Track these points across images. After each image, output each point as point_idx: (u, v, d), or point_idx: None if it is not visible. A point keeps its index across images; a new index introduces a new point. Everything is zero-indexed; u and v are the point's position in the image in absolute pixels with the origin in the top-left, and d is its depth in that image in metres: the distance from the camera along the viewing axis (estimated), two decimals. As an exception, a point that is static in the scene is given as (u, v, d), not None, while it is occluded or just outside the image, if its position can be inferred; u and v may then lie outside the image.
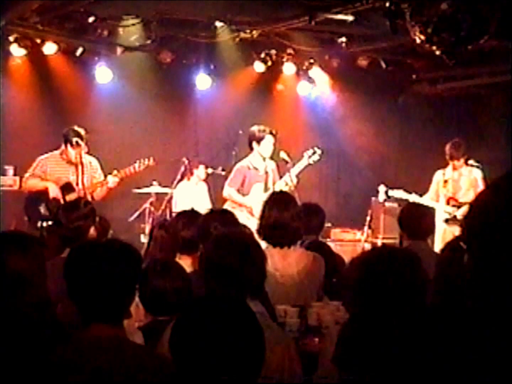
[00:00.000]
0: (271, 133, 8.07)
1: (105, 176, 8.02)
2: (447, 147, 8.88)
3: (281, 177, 8.13)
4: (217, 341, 2.15)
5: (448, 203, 8.75)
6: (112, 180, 7.91)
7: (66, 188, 7.76)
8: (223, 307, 2.24)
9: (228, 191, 8.14)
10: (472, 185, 8.85)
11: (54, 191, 7.69)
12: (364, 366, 2.50)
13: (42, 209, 7.70)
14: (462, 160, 8.82)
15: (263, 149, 8.03)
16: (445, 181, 8.91)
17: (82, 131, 7.79)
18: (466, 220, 1.57)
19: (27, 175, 7.84)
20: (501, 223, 1.48)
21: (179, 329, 2.24)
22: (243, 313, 2.25)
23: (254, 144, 8.07)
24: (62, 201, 7.67)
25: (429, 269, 3.29)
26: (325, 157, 8.12)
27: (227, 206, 8.08)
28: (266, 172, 8.11)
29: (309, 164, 8.22)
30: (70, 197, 7.71)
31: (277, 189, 7.77)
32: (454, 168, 8.90)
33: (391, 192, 8.94)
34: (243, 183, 8.10)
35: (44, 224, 7.59)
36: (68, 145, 7.74)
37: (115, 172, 7.98)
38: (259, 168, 8.11)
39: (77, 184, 7.74)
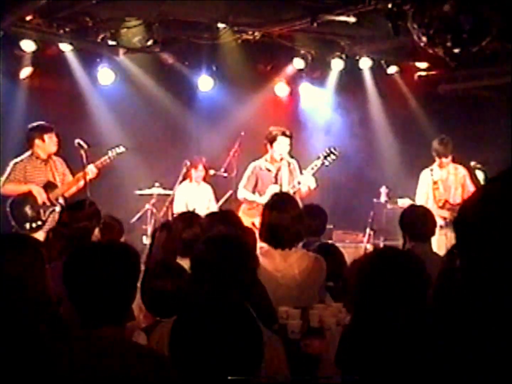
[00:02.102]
0: (284, 133, 7.99)
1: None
2: (435, 144, 8.69)
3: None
4: (216, 341, 2.15)
5: (443, 206, 8.62)
6: (92, 170, 7.82)
7: (49, 186, 7.77)
8: (221, 308, 2.25)
9: (242, 193, 8.10)
10: (460, 183, 8.74)
11: (38, 192, 7.68)
12: (366, 367, 2.50)
13: (29, 211, 7.69)
14: (450, 157, 8.72)
15: (275, 150, 7.96)
16: (435, 182, 8.71)
17: (45, 123, 7.81)
18: (455, 224, 1.58)
19: (3, 180, 7.73)
20: (490, 226, 1.48)
21: (178, 330, 2.25)
22: (242, 314, 2.26)
23: (268, 145, 8.02)
24: (47, 201, 7.68)
25: (432, 271, 3.29)
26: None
27: (243, 208, 8.03)
28: (277, 173, 8.03)
29: (324, 165, 7.93)
30: (54, 194, 7.73)
31: (291, 190, 7.70)
32: (441, 166, 8.78)
33: (400, 202, 8.76)
34: (256, 184, 8.03)
35: (34, 225, 7.60)
36: (37, 140, 7.74)
37: (91, 165, 7.90)
38: (272, 169, 8.05)
39: (55, 180, 7.77)
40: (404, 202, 8.59)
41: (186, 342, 2.21)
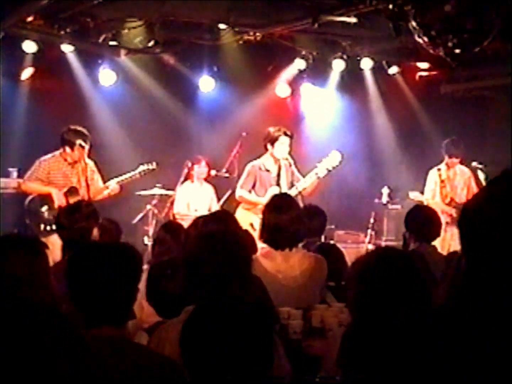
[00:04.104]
0: (285, 134, 7.97)
1: (104, 179, 8.03)
2: (446, 144, 8.90)
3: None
4: (228, 341, 2.15)
5: (449, 203, 8.75)
6: (114, 187, 7.89)
7: (71, 192, 7.73)
8: (233, 307, 2.25)
9: (240, 192, 8.04)
10: (465, 184, 8.92)
11: (58, 197, 7.64)
12: (368, 368, 2.50)
13: (46, 213, 7.66)
14: (459, 158, 8.87)
15: (277, 150, 7.94)
16: (442, 181, 8.91)
17: (85, 131, 7.79)
18: (460, 224, 1.58)
19: (27, 176, 7.77)
20: (493, 226, 1.48)
21: (189, 329, 2.25)
22: (252, 314, 2.26)
23: (268, 145, 7.99)
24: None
25: (437, 271, 3.29)
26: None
27: (241, 208, 8.01)
28: (279, 175, 8.01)
29: (327, 170, 7.85)
30: (74, 201, 7.69)
31: (293, 192, 7.63)
32: (449, 166, 8.93)
33: (411, 195, 8.92)
34: (254, 184, 7.99)
35: (48, 228, 7.57)
36: (67, 147, 7.72)
37: (118, 179, 7.97)
38: (272, 170, 8.02)
39: (79, 186, 7.74)
40: (416, 195, 8.80)
41: (199, 342, 2.21)
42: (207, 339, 2.20)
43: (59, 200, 7.59)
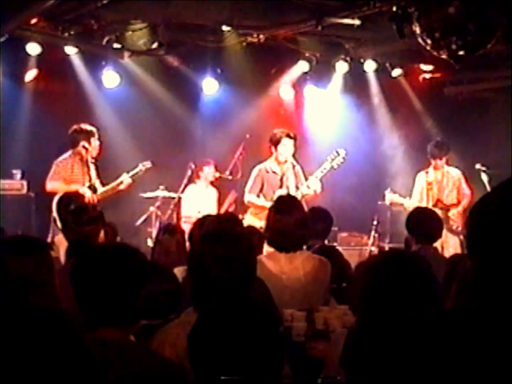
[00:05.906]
0: (288, 135, 7.98)
1: (107, 181, 8.07)
2: (429, 146, 8.97)
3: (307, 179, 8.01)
4: (238, 341, 2.15)
5: (435, 205, 8.73)
6: (126, 180, 8.00)
7: (92, 188, 7.83)
8: (242, 308, 2.25)
9: (248, 197, 8.01)
10: (455, 185, 8.94)
11: (87, 193, 7.72)
12: (371, 370, 2.50)
13: None
14: (444, 159, 8.88)
15: (280, 152, 7.94)
16: (429, 183, 8.95)
17: (93, 129, 7.86)
18: (467, 226, 1.58)
19: (50, 176, 7.82)
20: (502, 229, 1.48)
21: (200, 329, 2.25)
22: (262, 314, 2.26)
23: (272, 147, 8.00)
24: (91, 201, 7.73)
25: (438, 273, 3.28)
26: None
27: (249, 213, 7.98)
28: (283, 176, 8.01)
29: (332, 168, 8.02)
30: (97, 197, 7.80)
31: (299, 194, 7.64)
32: (436, 168, 8.96)
33: (387, 196, 8.97)
34: (262, 187, 7.97)
35: None
36: (84, 142, 7.79)
37: (124, 175, 8.05)
38: (277, 171, 8.03)
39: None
40: (393, 198, 8.85)
41: (207, 342, 2.20)
42: (216, 341, 2.19)
43: (87, 195, 7.69)
